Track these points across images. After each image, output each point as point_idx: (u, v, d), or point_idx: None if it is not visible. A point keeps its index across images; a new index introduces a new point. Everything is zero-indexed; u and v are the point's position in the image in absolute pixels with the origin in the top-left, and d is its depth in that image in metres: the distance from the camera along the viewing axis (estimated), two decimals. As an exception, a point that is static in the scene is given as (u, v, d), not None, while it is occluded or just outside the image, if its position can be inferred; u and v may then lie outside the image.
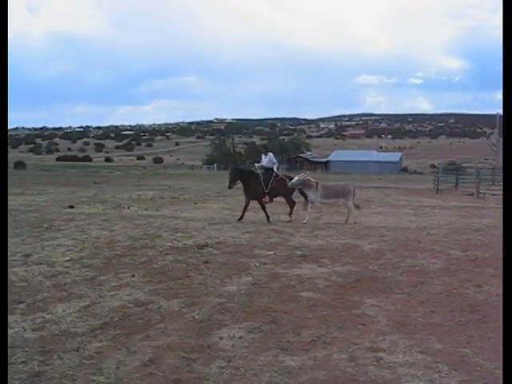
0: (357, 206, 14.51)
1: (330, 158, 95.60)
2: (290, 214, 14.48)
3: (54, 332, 5.25)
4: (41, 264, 8.18)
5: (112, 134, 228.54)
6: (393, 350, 4.79)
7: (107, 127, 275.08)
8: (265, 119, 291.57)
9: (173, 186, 30.78)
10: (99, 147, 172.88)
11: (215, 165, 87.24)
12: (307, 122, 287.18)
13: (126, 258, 8.54)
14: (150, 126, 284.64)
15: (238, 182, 14.45)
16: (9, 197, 21.10)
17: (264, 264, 8.16)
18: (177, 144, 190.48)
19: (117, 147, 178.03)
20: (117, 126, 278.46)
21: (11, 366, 4.42)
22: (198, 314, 5.76)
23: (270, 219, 13.96)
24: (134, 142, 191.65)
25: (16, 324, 5.48)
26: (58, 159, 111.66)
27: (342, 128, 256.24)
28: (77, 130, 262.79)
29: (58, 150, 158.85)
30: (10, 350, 4.73)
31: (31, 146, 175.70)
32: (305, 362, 4.53)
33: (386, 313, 5.89)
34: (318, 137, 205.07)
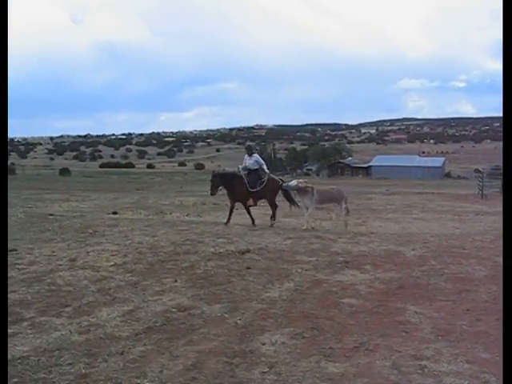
0: (347, 211, 14.22)
1: (371, 164, 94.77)
2: (273, 217, 14.23)
3: (99, 335, 5.35)
4: (86, 269, 8.35)
5: (154, 141, 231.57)
6: (437, 358, 4.71)
7: (149, 134, 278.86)
8: (305, 125, 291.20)
9: (214, 192, 30.90)
10: (141, 154, 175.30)
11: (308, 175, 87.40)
12: (348, 127, 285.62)
13: (169, 264, 8.65)
14: (192, 132, 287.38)
15: (221, 187, 14.01)
16: (55, 203, 21.68)
17: (306, 270, 8.15)
18: (218, 150, 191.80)
19: (159, 154, 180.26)
20: (159, 133, 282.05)
21: (59, 367, 4.53)
22: (240, 320, 5.78)
23: (256, 223, 13.86)
24: (175, 149, 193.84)
25: (62, 327, 5.60)
26: (101, 166, 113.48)
27: (383, 133, 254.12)
28: (120, 137, 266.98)
29: (101, 157, 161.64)
30: (57, 352, 4.87)
31: (75, 153, 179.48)
32: (347, 369, 4.50)
33: (430, 320, 5.81)
34: (359, 142, 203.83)
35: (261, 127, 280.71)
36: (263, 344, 5.06)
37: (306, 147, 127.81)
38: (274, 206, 14.33)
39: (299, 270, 8.10)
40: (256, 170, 14.17)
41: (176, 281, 7.48)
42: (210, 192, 14.12)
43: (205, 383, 4.27)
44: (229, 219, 13.85)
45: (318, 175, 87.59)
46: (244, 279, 7.60)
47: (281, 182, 14.21)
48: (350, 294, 6.84)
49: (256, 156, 14.45)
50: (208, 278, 7.65)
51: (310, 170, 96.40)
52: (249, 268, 8.27)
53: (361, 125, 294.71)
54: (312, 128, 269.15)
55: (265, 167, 14.30)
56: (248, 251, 9.58)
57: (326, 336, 5.30)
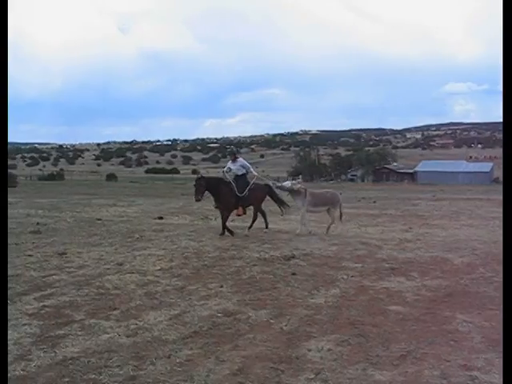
0: (341, 216, 13.80)
1: (416, 169, 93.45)
2: (266, 226, 13.51)
3: (146, 338, 5.42)
4: (133, 273, 8.50)
5: (198, 147, 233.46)
6: (488, 369, 4.60)
7: (194, 140, 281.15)
8: (350, 130, 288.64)
9: (258, 197, 30.98)
10: (186, 160, 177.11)
11: (300, 176, 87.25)
12: (393, 132, 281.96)
13: (215, 269, 8.72)
14: (236, 138, 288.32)
15: (207, 193, 12.82)
16: (102, 208, 22.06)
17: (351, 276, 8.10)
18: (262, 156, 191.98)
19: (203, 159, 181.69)
20: (203, 139, 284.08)
21: (108, 368, 4.61)
22: (285, 326, 5.78)
23: (228, 233, 12.74)
24: (219, 155, 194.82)
25: (111, 329, 5.71)
26: (146, 172, 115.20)
27: (429, 138, 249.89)
28: (165, 143, 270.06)
29: (146, 163, 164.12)
30: (106, 354, 4.96)
31: (122, 159, 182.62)
32: (395, 378, 4.44)
33: (480, 329, 5.69)
34: (404, 147, 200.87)
35: (305, 133, 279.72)
36: (309, 350, 5.05)
37: (350, 153, 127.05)
38: (262, 213, 13.63)
39: (345, 277, 8.06)
40: (243, 175, 13.32)
41: (222, 286, 7.54)
42: (194, 198, 13.02)
43: (251, 388, 4.29)
44: (223, 230, 12.76)
45: (362, 181, 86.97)
46: (289, 285, 7.60)
47: (270, 185, 13.74)
48: (397, 302, 6.76)
49: (241, 160, 13.52)
50: (253, 284, 7.68)
51: (355, 175, 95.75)
52: (294, 274, 8.27)
53: (406, 130, 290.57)
54: (356, 133, 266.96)
55: (252, 169, 13.53)
56: (293, 257, 9.60)
57: (373, 343, 5.25)
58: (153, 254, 10.13)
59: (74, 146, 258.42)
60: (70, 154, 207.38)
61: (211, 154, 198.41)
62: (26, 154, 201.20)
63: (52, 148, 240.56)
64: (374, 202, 28.30)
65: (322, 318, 6.05)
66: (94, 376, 4.49)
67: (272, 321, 5.97)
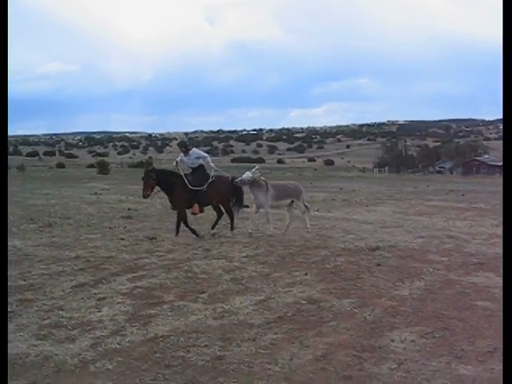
0: (307, 208, 12.17)
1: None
2: (232, 228, 11.69)
3: (232, 322, 5.61)
4: (220, 258, 8.76)
5: (284, 137, 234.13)
6: None
7: (280, 130, 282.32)
8: (439, 121, 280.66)
9: (344, 188, 30.89)
10: (272, 149, 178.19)
11: (387, 168, 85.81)
12: (485, 123, 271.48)
13: (299, 257, 8.84)
14: (321, 128, 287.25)
15: (158, 189, 11.14)
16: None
17: (437, 270, 7.98)
18: (348, 146, 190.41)
19: (289, 149, 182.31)
20: (289, 129, 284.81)
21: (196, 348, 4.83)
22: (369, 315, 5.81)
23: (199, 235, 11.12)
24: (305, 145, 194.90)
25: (199, 311, 5.94)
26: (232, 161, 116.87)
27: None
28: (251, 132, 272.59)
29: (232, 152, 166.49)
30: (194, 334, 5.19)
31: (208, 148, 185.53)
32: (480, 374, 4.37)
33: None
34: (496, 139, 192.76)
35: (392, 123, 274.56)
36: (392, 341, 5.05)
37: (438, 144, 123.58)
38: (229, 213, 11.76)
39: (430, 270, 7.96)
40: (200, 166, 11.53)
41: (306, 274, 7.64)
42: (142, 193, 11.13)
43: (333, 374, 4.36)
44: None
45: (451, 173, 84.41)
46: (374, 276, 7.60)
47: (230, 178, 11.74)
48: (484, 297, 6.61)
49: (195, 151, 11.62)
50: (338, 273, 7.73)
51: (443, 167, 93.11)
52: (379, 265, 8.25)
53: (499, 120, 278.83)
54: (446, 124, 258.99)
55: (209, 159, 11.62)
56: (378, 248, 9.56)
57: (458, 337, 5.18)
58: (239, 241, 10.38)
59: (162, 135, 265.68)
60: (159, 142, 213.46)
61: (296, 143, 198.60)
62: (117, 143, 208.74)
63: (142, 137, 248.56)
64: (463, 195, 27.49)
65: (406, 310, 6.02)
66: (182, 354, 4.72)
67: (356, 310, 6.01)
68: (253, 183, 11.26)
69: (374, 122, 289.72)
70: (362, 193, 26.89)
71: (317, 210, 16.45)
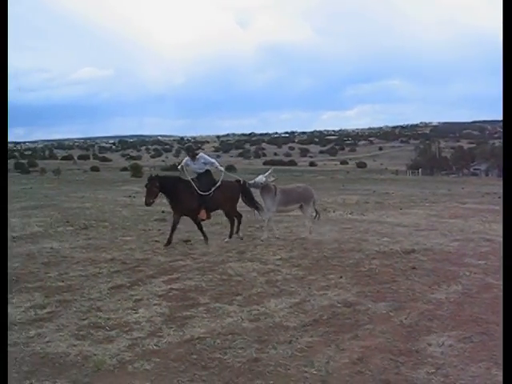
0: (317, 213, 11.82)
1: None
2: (238, 231, 11.40)
3: (268, 324, 5.63)
4: (254, 261, 8.80)
5: (316, 139, 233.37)
6: None
7: (311, 132, 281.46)
8: (473, 122, 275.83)
9: (377, 190, 30.60)
10: (304, 152, 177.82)
11: (420, 170, 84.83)
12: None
13: (334, 260, 8.81)
14: (354, 130, 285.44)
15: (161, 194, 10.70)
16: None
17: (474, 273, 7.87)
18: (380, 149, 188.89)
19: (321, 152, 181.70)
20: (321, 131, 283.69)
21: (232, 350, 4.88)
22: (405, 319, 5.76)
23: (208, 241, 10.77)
24: (337, 147, 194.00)
25: (234, 314, 5.98)
26: (264, 163, 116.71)
27: None
28: (283, 135, 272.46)
29: (264, 155, 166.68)
30: (230, 336, 5.23)
31: (240, 150, 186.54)
32: (521, 379, 4.31)
33: None
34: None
35: (425, 125, 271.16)
36: (429, 345, 5.01)
37: (473, 145, 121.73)
38: (238, 217, 11.50)
39: (467, 273, 7.85)
40: (207, 171, 11.28)
41: (341, 277, 7.61)
42: (144, 201, 10.72)
43: (370, 378, 4.34)
44: (169, 240, 10.55)
45: (486, 175, 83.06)
46: (409, 279, 7.52)
47: (242, 182, 11.55)
48: (524, 301, 6.50)
49: (202, 156, 11.34)
50: (373, 276, 7.69)
51: (478, 169, 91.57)
52: (414, 268, 8.17)
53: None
54: (480, 125, 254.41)
55: (217, 164, 11.36)
56: (413, 251, 9.48)
57: (497, 342, 5.07)
58: (273, 243, 10.39)
59: (194, 138, 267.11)
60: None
61: (329, 146, 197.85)
62: (150, 146, 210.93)
63: (174, 140, 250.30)
64: (499, 197, 26.99)
65: (443, 314, 5.95)
66: (219, 356, 4.75)
67: (391, 313, 5.97)
68: (263, 187, 11.08)
69: (406, 123, 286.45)
70: (396, 195, 26.60)
71: (350, 213, 16.38)
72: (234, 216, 11.39)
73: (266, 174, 11.26)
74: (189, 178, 10.96)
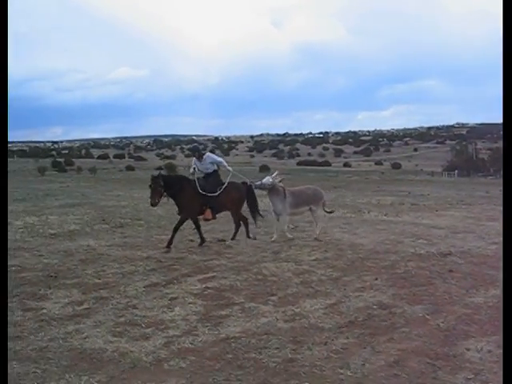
0: (329, 213, 11.89)
1: None
2: (248, 234, 11.11)
3: (303, 325, 5.61)
4: (289, 261, 8.78)
5: (350, 140, 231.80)
6: None
7: (346, 133, 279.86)
8: None
9: (412, 192, 30.30)
10: (338, 152, 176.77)
11: (456, 171, 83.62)
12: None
13: (369, 262, 8.74)
14: (388, 131, 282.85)
15: (165, 195, 10.51)
16: (259, 198, 22.66)
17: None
18: (415, 149, 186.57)
19: (355, 152, 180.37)
20: (355, 132, 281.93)
21: (267, 350, 4.88)
22: (442, 322, 5.68)
23: (205, 242, 10.60)
24: (371, 148, 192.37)
25: (269, 314, 5.98)
26: (298, 164, 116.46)
27: None
28: (316, 135, 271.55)
29: (298, 155, 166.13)
30: (265, 336, 5.24)
31: (274, 151, 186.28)
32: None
33: None
34: None
35: (461, 126, 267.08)
36: (467, 349, 4.92)
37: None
38: (243, 219, 11.29)
39: (506, 277, 7.70)
40: (214, 171, 11.10)
41: (376, 279, 7.55)
42: (150, 201, 10.53)
43: (407, 381, 4.29)
44: (170, 241, 10.31)
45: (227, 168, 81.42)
46: (446, 282, 7.42)
47: (249, 183, 11.36)
48: None
49: (209, 156, 11.19)
50: (409, 279, 7.60)
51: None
52: (451, 271, 8.05)
53: None
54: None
55: (225, 164, 11.15)
56: (450, 254, 9.35)
57: (538, 348, 5.00)
58: (308, 244, 10.36)
59: (228, 138, 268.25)
60: (225, 145, 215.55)
61: (363, 147, 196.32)
62: (184, 146, 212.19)
63: (208, 140, 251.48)
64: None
65: (482, 318, 5.84)
66: (254, 355, 4.76)
67: (428, 317, 5.89)
68: (271, 189, 10.90)
69: (442, 124, 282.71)
70: (431, 197, 26.28)
71: (385, 215, 16.24)
72: (239, 218, 11.20)
73: (273, 175, 11.12)
74: (195, 178, 10.74)
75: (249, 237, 11.03)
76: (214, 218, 10.88)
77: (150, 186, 10.38)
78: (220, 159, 11.24)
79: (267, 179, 10.91)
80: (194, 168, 10.89)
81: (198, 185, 10.55)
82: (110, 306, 6.33)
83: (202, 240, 10.58)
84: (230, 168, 11.12)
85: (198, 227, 10.70)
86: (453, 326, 5.57)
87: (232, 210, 11.09)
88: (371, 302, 6.44)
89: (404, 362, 4.62)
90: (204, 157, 10.97)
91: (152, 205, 10.46)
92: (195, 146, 12.12)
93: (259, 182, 10.94)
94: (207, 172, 10.96)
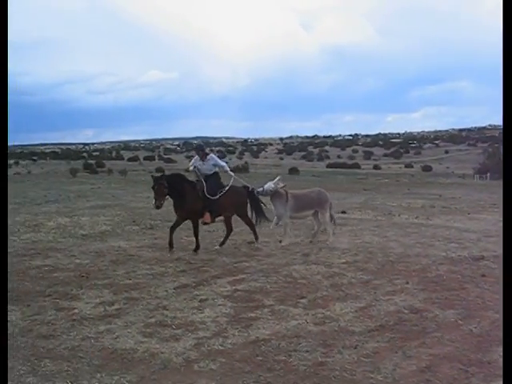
0: (333, 220, 11.45)
1: None
2: (256, 238, 10.74)
3: (333, 328, 5.58)
4: (318, 264, 8.74)
5: (380, 142, 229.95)
6: None
7: (375, 135, 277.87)
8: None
9: (443, 195, 29.90)
10: (367, 155, 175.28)
11: (488, 174, 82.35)
12: None
13: (400, 265, 8.66)
14: (419, 133, 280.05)
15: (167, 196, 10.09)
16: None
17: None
18: (446, 152, 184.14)
19: (385, 155, 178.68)
20: (385, 134, 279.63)
21: (297, 353, 4.87)
22: (475, 328, 5.59)
23: (200, 248, 10.20)
24: (402, 150, 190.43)
25: (299, 316, 5.97)
26: (328, 166, 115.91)
27: None
28: (346, 137, 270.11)
29: (328, 157, 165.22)
30: (295, 339, 5.23)
31: (304, 153, 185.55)
32: None
33: None
34: None
35: (494, 127, 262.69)
36: (501, 356, 4.84)
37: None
38: (250, 224, 10.88)
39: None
40: (215, 173, 10.74)
41: (407, 282, 7.47)
42: (154, 204, 10.02)
43: (439, 387, 4.24)
44: (170, 242, 10.10)
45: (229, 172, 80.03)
46: (478, 287, 7.30)
47: (250, 188, 10.90)
48: None
49: (212, 157, 10.81)
50: (440, 283, 7.50)
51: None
52: (484, 276, 7.91)
53: None
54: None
55: (227, 168, 10.93)
56: (482, 258, 9.20)
57: None
58: (337, 247, 10.29)
59: (257, 140, 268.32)
60: (254, 147, 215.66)
61: (393, 149, 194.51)
62: (213, 148, 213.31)
63: (237, 142, 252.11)
64: None
65: (516, 324, 5.74)
66: (284, 358, 4.75)
67: (460, 322, 5.80)
68: (273, 194, 10.75)
69: (474, 126, 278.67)
70: (463, 200, 25.92)
71: (416, 218, 16.06)
72: (246, 223, 10.92)
73: (275, 180, 10.96)
74: (201, 179, 10.45)
75: (256, 240, 10.72)
76: (213, 221, 10.59)
77: (153, 187, 9.90)
78: (223, 163, 11.01)
79: (269, 185, 10.79)
80: (194, 167, 10.67)
81: (204, 187, 10.26)
82: (141, 306, 6.38)
83: (197, 246, 10.23)
84: (232, 173, 10.95)
85: (196, 231, 10.36)
86: (486, 332, 5.48)
87: (232, 215, 10.71)
88: (402, 305, 6.37)
89: (436, 368, 4.56)
90: (208, 157, 10.71)
91: (157, 207, 10.07)
92: (199, 145, 11.79)
93: (261, 189, 10.77)
94: (207, 174, 10.64)
